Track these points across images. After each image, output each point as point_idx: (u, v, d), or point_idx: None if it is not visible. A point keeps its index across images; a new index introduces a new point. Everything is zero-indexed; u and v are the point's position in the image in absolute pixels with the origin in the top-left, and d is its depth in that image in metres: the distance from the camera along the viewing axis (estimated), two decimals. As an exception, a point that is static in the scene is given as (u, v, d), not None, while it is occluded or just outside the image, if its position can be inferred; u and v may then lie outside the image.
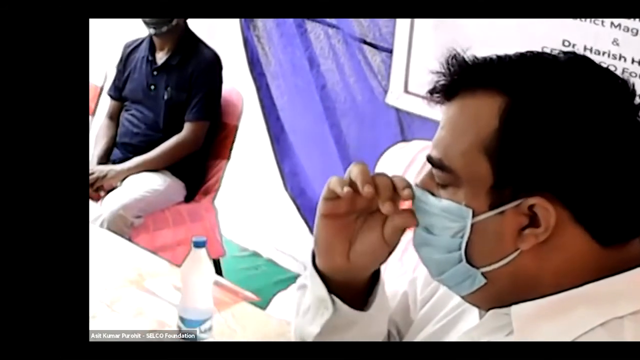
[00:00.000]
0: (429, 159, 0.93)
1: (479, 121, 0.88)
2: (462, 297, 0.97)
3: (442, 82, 0.92)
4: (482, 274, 0.91)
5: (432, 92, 0.93)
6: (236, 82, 3.40)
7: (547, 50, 0.92)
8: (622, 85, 0.89)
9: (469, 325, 0.98)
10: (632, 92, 0.89)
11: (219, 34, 3.56)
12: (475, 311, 0.99)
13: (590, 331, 0.86)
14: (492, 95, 0.88)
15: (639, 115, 0.88)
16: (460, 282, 0.93)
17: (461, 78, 0.91)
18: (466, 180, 0.89)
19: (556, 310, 0.88)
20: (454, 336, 1.01)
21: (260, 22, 3.44)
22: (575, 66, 0.89)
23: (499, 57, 0.91)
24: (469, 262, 0.91)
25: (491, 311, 0.94)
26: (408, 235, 1.00)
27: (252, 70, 3.55)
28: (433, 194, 0.93)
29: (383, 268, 1.06)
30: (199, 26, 3.34)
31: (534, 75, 0.88)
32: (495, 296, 0.92)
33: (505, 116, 0.87)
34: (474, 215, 0.89)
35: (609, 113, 0.86)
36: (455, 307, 1.04)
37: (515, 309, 0.90)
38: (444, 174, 0.91)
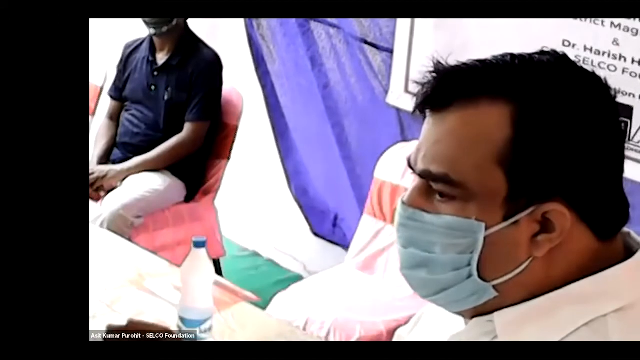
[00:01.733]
0: (427, 175, 0.88)
1: (489, 131, 0.85)
2: (456, 312, 0.94)
3: (432, 93, 0.87)
4: (493, 286, 0.88)
5: (420, 103, 0.88)
6: (239, 81, 3.40)
7: (547, 50, 0.91)
8: (599, 80, 0.88)
9: (454, 330, 0.95)
10: (607, 85, 0.88)
11: (223, 32, 3.56)
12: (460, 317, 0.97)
13: (575, 331, 0.85)
14: (498, 103, 0.85)
15: (616, 105, 0.89)
16: (465, 298, 0.90)
17: (457, 87, 0.87)
18: (479, 194, 0.86)
19: (540, 312, 0.87)
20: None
21: (264, 21, 3.44)
22: (565, 66, 0.88)
23: (492, 63, 0.87)
24: (479, 276, 0.88)
25: (474, 319, 0.91)
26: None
27: (257, 68, 3.55)
28: (426, 211, 0.89)
29: (383, 269, 1.05)
30: (202, 24, 3.34)
31: (537, 79, 0.86)
32: (501, 307, 0.89)
33: (518, 124, 0.84)
34: (487, 228, 0.86)
35: (601, 108, 0.87)
36: (442, 314, 1.02)
37: (498, 316, 0.89)
38: (450, 188, 0.87)
